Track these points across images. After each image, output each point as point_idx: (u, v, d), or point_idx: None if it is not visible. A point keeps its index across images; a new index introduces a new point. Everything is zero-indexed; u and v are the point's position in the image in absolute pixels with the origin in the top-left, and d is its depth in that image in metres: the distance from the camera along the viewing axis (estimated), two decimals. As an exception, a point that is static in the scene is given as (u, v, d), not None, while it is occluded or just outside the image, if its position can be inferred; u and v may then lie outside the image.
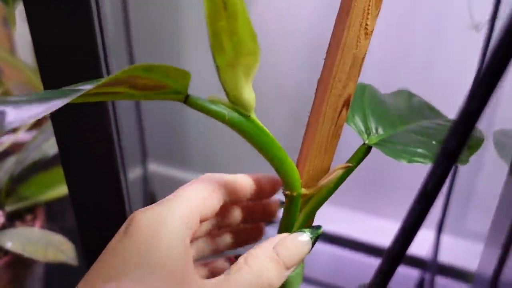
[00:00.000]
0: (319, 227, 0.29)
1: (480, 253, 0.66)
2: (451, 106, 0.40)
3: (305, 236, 0.28)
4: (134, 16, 0.82)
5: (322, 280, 0.88)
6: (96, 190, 0.37)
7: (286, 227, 0.30)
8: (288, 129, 0.95)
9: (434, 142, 0.30)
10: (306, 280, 0.89)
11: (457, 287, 0.73)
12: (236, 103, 0.25)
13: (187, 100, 0.24)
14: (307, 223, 0.30)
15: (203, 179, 0.29)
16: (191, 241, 0.31)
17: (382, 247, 0.81)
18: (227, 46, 0.22)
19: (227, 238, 0.34)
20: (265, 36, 0.82)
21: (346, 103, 0.28)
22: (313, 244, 0.28)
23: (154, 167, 0.99)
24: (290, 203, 0.29)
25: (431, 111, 0.36)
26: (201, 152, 0.99)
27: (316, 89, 0.28)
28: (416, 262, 0.80)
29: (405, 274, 0.80)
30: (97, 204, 0.38)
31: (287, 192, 0.29)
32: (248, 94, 0.25)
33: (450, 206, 0.68)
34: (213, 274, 0.34)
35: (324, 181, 0.29)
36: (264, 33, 0.82)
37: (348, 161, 0.29)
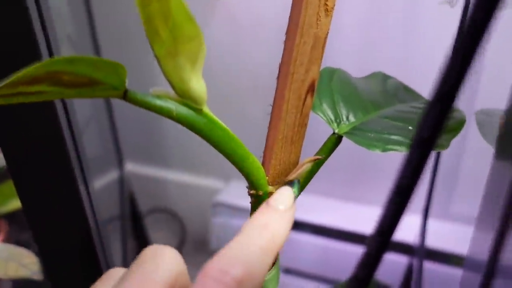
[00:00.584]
0: (295, 181, 0.27)
1: (467, 237, 0.64)
2: (429, 87, 0.37)
3: (287, 189, 0.26)
4: (98, 15, 0.79)
5: (309, 272, 0.86)
6: (51, 202, 0.34)
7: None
8: (263, 120, 0.92)
9: (410, 128, 0.27)
10: (293, 272, 0.87)
11: (445, 271, 0.72)
12: (184, 96, 0.22)
13: (126, 95, 0.21)
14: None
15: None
16: None
17: (367, 234, 0.79)
18: (163, 32, 0.19)
19: None
20: (238, 26, 0.79)
21: (311, 89, 0.25)
22: (297, 193, 0.26)
23: (131, 167, 0.96)
24: (257, 203, 0.26)
25: (407, 93, 0.34)
26: (180, 149, 0.96)
27: (278, 75, 0.26)
28: (403, 248, 0.78)
29: (393, 261, 0.78)
30: (54, 217, 0.35)
31: (252, 192, 0.26)
32: (197, 85, 0.22)
33: (435, 190, 0.66)
34: None
35: (292, 176, 0.26)
36: (237, 23, 0.79)
37: (317, 153, 0.27)
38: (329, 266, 0.83)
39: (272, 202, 0.25)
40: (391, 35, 0.68)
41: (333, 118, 0.27)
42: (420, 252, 0.65)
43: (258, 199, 0.26)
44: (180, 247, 0.99)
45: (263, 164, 0.27)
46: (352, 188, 0.85)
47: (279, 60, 0.25)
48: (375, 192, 0.85)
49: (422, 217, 0.69)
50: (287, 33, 0.25)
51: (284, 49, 0.25)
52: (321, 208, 0.85)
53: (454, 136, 0.28)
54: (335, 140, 0.26)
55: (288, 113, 0.25)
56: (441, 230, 0.72)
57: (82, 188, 0.35)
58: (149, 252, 0.23)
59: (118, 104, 0.84)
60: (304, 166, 0.26)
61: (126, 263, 0.78)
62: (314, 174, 0.27)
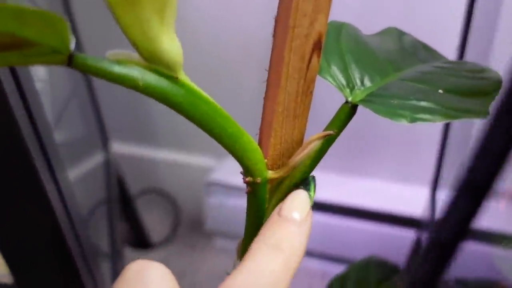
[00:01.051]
0: (310, 179, 0.22)
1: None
2: (439, 45, 0.32)
3: (302, 193, 0.21)
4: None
5: (312, 250, 0.82)
6: (11, 198, 0.29)
7: (252, 224, 0.22)
8: (260, 94, 0.86)
9: (440, 91, 0.22)
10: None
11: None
12: (153, 61, 0.17)
13: (71, 61, 0.15)
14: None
15: None
16: None
17: (371, 210, 0.75)
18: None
19: None
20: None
21: (317, 47, 0.20)
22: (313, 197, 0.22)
23: (118, 148, 0.91)
24: (254, 192, 0.21)
25: (427, 52, 0.28)
26: (169, 125, 0.90)
27: (274, 31, 0.20)
28: (410, 222, 0.74)
29: (400, 236, 0.74)
30: (16, 215, 0.30)
31: (248, 179, 0.21)
32: (169, 44, 0.16)
33: (445, 160, 0.62)
34: None
35: (297, 157, 0.21)
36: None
37: (327, 127, 0.22)
38: (330, 242, 0.79)
39: (285, 212, 0.20)
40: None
41: (345, 83, 0.22)
42: (430, 225, 0.61)
43: (255, 188, 0.21)
44: (174, 229, 0.94)
45: (259, 144, 0.22)
46: (351, 160, 0.81)
47: (272, 25, 0.20)
48: (376, 164, 0.80)
49: (430, 189, 0.64)
50: (284, -26, 0.19)
51: (282, -4, 0.20)
52: (319, 183, 0.81)
53: (491, 99, 0.22)
54: (349, 110, 0.21)
55: (289, 79, 0.20)
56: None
57: (47, 180, 0.30)
58: (132, 272, 0.18)
59: (98, 80, 0.78)
60: (312, 144, 0.21)
61: (114, 253, 0.74)
62: (324, 154, 0.22)
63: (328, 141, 0.21)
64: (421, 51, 0.28)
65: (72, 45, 0.15)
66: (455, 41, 0.56)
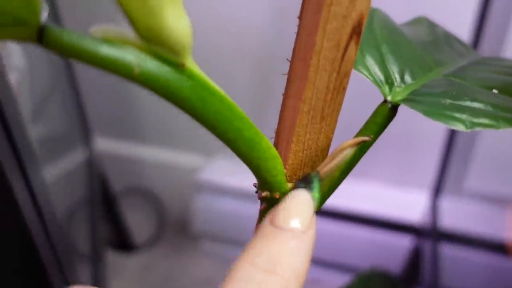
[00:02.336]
0: (313, 176, 0.17)
1: (482, 215, 0.57)
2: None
3: (302, 194, 0.16)
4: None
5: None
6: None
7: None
8: (252, 95, 0.82)
9: (495, 91, 0.18)
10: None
11: (457, 252, 0.65)
12: (154, 40, 0.12)
13: (43, 36, 0.11)
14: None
15: None
16: None
17: (368, 215, 0.72)
18: None
19: None
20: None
21: (356, 32, 0.16)
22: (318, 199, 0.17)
23: (101, 144, 0.86)
24: (269, 209, 0.17)
25: (461, 45, 0.25)
26: (156, 121, 0.86)
27: (301, 11, 0.16)
28: (408, 228, 0.71)
29: (397, 241, 0.71)
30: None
31: (265, 194, 0.17)
32: (175, 20, 0.12)
33: (449, 165, 0.59)
34: None
35: (325, 168, 0.17)
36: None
37: (361, 131, 0.18)
38: (325, 248, 0.76)
39: (281, 220, 0.15)
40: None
41: (382, 79, 0.18)
42: (432, 233, 0.58)
43: (273, 205, 0.17)
44: (159, 231, 0.90)
45: (276, 150, 0.18)
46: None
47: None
48: (374, 167, 0.77)
49: (432, 194, 0.61)
50: None
51: (315, -33, 0.16)
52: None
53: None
54: (388, 112, 0.17)
55: (319, 72, 0.16)
56: (453, 209, 0.65)
57: (16, 178, 0.25)
58: None
59: (82, 68, 0.73)
60: (344, 152, 0.17)
61: (95, 255, 0.69)
62: (355, 165, 0.18)
63: (361, 149, 0.18)
64: (456, 44, 0.24)
65: (44, 15, 0.11)
66: (466, 34, 0.53)
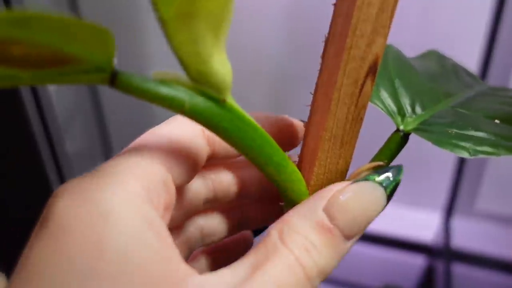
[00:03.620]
0: (398, 168, 0.18)
1: (493, 235, 0.58)
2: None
3: (373, 186, 0.17)
4: None
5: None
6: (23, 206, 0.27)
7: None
8: (269, 111, 0.84)
9: (497, 121, 0.20)
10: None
11: (469, 272, 0.66)
12: (202, 82, 0.15)
13: (115, 80, 0.14)
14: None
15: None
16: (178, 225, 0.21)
17: (378, 234, 0.73)
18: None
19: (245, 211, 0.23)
20: (237, 7, 0.71)
21: (372, 70, 0.18)
22: (389, 198, 0.18)
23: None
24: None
25: (470, 77, 0.27)
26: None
27: (324, 52, 0.19)
28: (419, 248, 0.72)
29: (409, 261, 0.72)
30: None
31: (289, 211, 0.19)
32: (220, 65, 0.15)
33: (461, 184, 0.60)
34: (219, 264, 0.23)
35: (343, 190, 0.20)
36: (236, 4, 0.71)
37: (376, 157, 0.20)
38: (344, 268, 0.77)
39: (340, 223, 0.16)
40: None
41: (396, 110, 0.20)
42: (445, 253, 0.59)
43: (297, 221, 0.19)
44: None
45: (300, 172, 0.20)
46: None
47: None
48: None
49: (444, 214, 0.62)
50: (340, -9, 0.18)
51: (336, 14, 0.18)
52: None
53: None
54: (400, 140, 0.20)
55: (340, 104, 0.18)
56: (465, 229, 0.66)
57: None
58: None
59: (105, 89, 0.76)
60: (362, 175, 0.19)
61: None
62: (372, 185, 0.20)
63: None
64: (464, 76, 0.26)
65: (116, 62, 0.14)
66: (475, 59, 0.55)
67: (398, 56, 0.23)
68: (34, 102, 0.26)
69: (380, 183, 0.17)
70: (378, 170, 0.18)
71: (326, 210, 0.17)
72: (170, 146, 0.17)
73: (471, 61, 0.56)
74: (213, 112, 0.15)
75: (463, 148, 0.18)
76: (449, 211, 0.62)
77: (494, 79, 0.54)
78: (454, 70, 0.26)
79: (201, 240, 0.23)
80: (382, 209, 0.18)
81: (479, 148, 0.18)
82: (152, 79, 0.14)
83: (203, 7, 0.13)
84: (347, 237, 0.17)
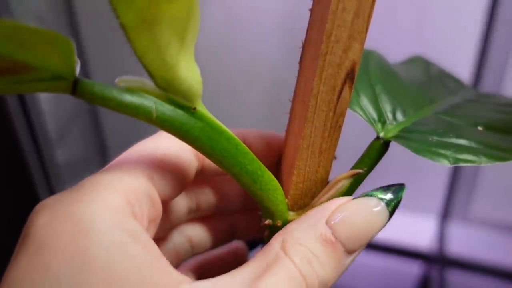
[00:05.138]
0: (400, 186, 0.18)
1: (489, 242, 0.58)
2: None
3: (375, 202, 0.17)
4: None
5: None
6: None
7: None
8: (265, 122, 0.84)
9: (480, 128, 0.20)
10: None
11: (464, 279, 0.65)
12: (170, 90, 0.14)
13: (76, 89, 0.13)
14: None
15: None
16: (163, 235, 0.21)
17: (378, 242, 0.72)
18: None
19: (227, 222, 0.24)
20: (234, 13, 0.71)
21: (350, 77, 0.18)
22: (391, 215, 0.18)
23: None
24: (272, 236, 0.19)
25: (455, 83, 0.26)
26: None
27: (301, 58, 0.18)
28: (415, 255, 0.71)
29: (402, 269, 0.72)
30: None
31: (268, 222, 0.19)
32: (188, 72, 0.14)
33: (456, 190, 0.60)
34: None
35: (322, 198, 0.19)
36: (231, 11, 0.71)
37: (356, 165, 0.19)
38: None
39: (343, 237, 0.16)
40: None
41: (376, 117, 0.20)
42: (440, 260, 0.59)
43: (275, 232, 0.19)
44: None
45: (279, 181, 0.20)
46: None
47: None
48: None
49: (439, 221, 0.62)
50: (315, -3, 0.17)
51: (311, 20, 0.18)
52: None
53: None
54: (380, 147, 0.19)
55: (317, 112, 0.18)
56: (460, 235, 0.65)
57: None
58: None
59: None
60: (340, 184, 0.19)
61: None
62: (352, 193, 0.19)
63: (356, 181, 0.19)
64: (449, 82, 0.26)
65: (77, 70, 0.13)
66: (468, 64, 0.54)
67: (380, 62, 0.23)
68: (22, 112, 0.26)
69: (383, 200, 0.17)
70: (382, 187, 0.18)
71: (329, 224, 0.16)
72: (155, 160, 0.17)
73: (464, 68, 0.56)
74: (182, 121, 0.15)
75: (443, 156, 0.17)
76: (444, 217, 0.61)
77: (487, 85, 0.54)
78: (439, 76, 0.26)
79: (190, 250, 0.23)
80: (384, 226, 0.18)
81: (459, 156, 0.18)
82: (116, 88, 0.14)
83: (165, 12, 0.12)
84: (349, 252, 0.17)
